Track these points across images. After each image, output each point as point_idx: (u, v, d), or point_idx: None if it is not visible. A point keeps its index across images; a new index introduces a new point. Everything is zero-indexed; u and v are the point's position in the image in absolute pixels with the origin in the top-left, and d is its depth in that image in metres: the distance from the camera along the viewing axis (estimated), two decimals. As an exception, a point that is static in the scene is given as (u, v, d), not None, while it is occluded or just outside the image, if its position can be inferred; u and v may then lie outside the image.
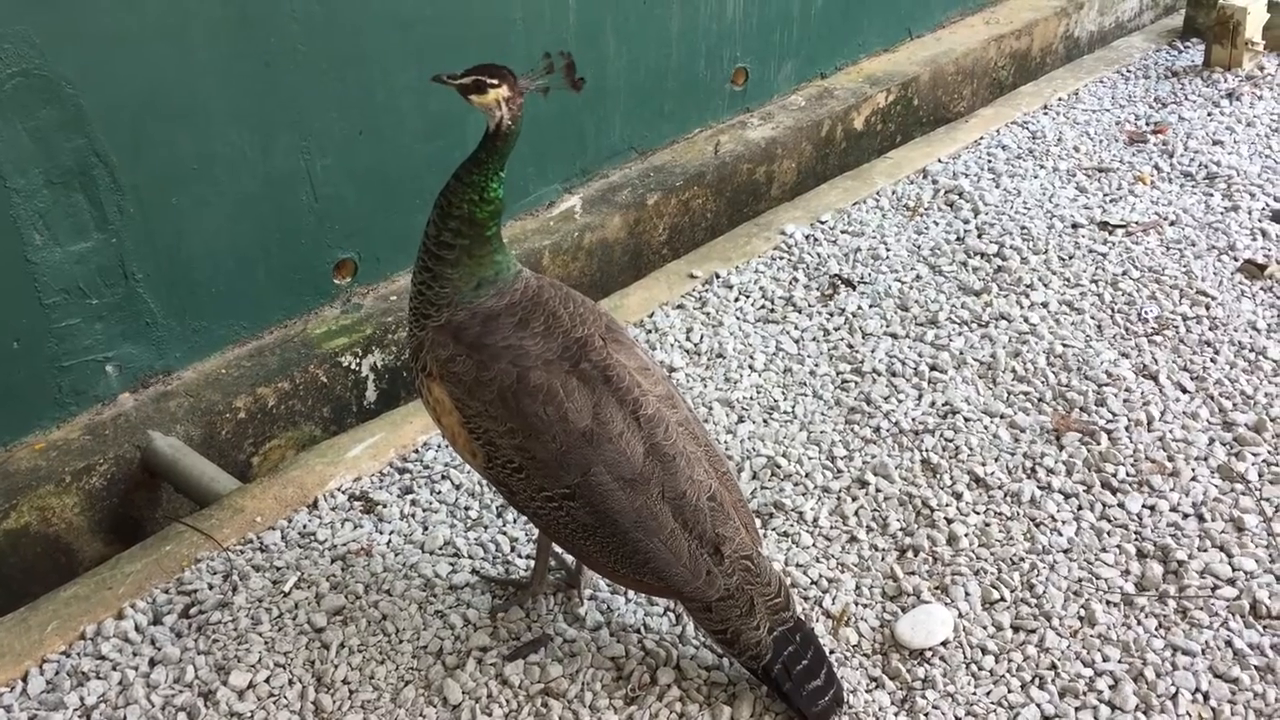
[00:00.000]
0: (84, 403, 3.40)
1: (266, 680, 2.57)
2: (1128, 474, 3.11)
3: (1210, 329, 3.68)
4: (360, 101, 3.73)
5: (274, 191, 3.62)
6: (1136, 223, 4.32)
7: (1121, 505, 3.01)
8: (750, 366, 3.62)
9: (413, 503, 3.10)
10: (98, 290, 3.30)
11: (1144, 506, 3.01)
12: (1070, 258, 4.11)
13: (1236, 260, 4.05)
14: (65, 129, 3.10)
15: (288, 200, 3.67)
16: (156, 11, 3.15)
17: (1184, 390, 3.41)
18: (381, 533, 3.00)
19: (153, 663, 2.63)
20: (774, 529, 2.97)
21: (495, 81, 2.27)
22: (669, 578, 2.34)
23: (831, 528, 2.98)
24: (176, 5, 3.18)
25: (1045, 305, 3.84)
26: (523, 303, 2.40)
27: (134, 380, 3.50)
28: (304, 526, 3.02)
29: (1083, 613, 2.71)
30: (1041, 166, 4.83)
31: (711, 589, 2.35)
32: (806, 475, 3.14)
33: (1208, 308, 3.78)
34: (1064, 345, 3.62)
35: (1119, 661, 2.59)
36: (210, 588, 2.83)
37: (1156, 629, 2.67)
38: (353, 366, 3.81)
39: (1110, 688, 2.53)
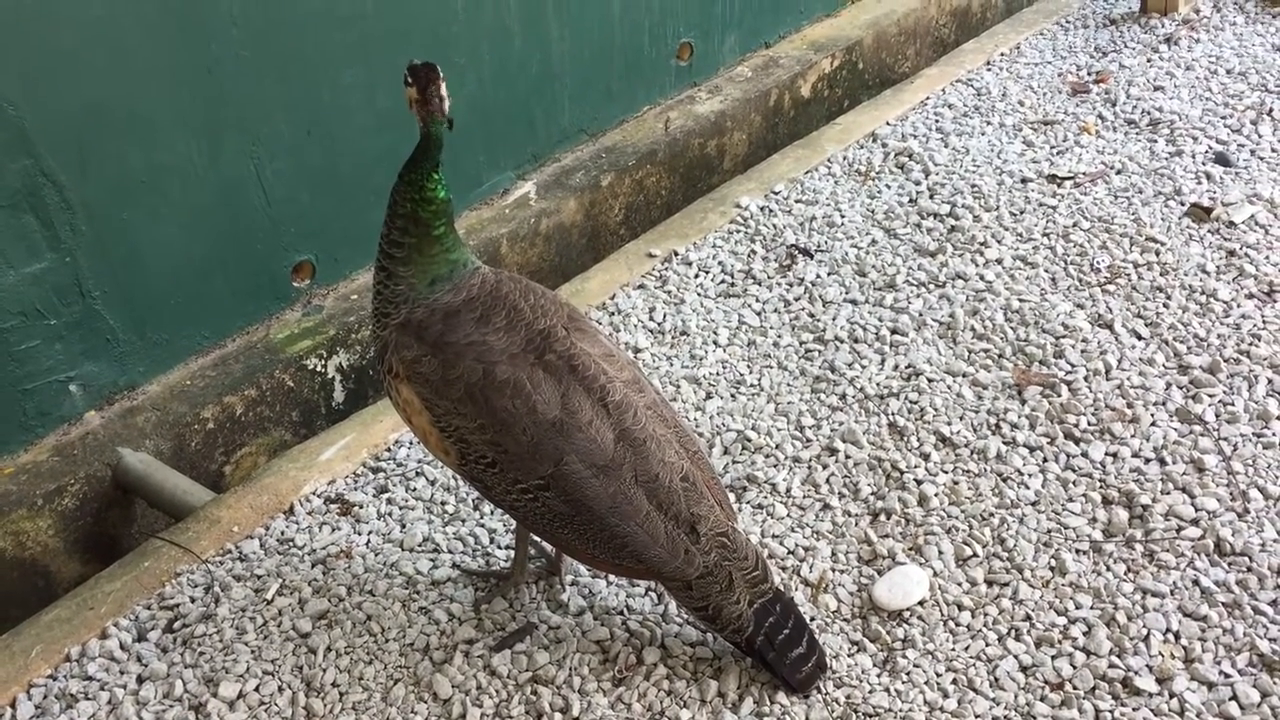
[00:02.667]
0: (50, 424, 3.38)
1: (256, 689, 2.58)
2: (1089, 423, 3.17)
3: (1161, 274, 3.75)
4: (306, 101, 3.71)
5: (226, 198, 3.60)
6: (1084, 173, 4.38)
7: (1085, 454, 3.08)
8: (714, 342, 3.65)
9: (389, 501, 3.11)
10: (55, 310, 3.28)
11: (1107, 454, 3.07)
12: (1021, 213, 4.16)
13: (1183, 205, 4.12)
14: (9, 150, 3.06)
15: (240, 206, 3.65)
16: (91, 24, 3.11)
17: (1139, 337, 3.48)
18: (360, 534, 3.01)
19: (140, 680, 2.64)
20: (748, 502, 3.01)
21: (408, 81, 2.27)
22: (648, 560, 2.37)
23: (804, 497, 3.02)
24: (111, 17, 3.14)
25: (1000, 262, 3.89)
26: (481, 298, 2.41)
27: (99, 398, 3.48)
28: (282, 533, 3.03)
29: (1053, 563, 2.77)
30: (988, 123, 4.88)
31: (690, 568, 2.39)
32: (777, 447, 3.19)
33: (1158, 254, 3.85)
34: (1020, 300, 3.68)
35: (1091, 608, 2.66)
36: (192, 601, 2.84)
37: (1125, 573, 2.74)
38: (318, 369, 3.80)
39: (1084, 634, 2.59)
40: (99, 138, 3.23)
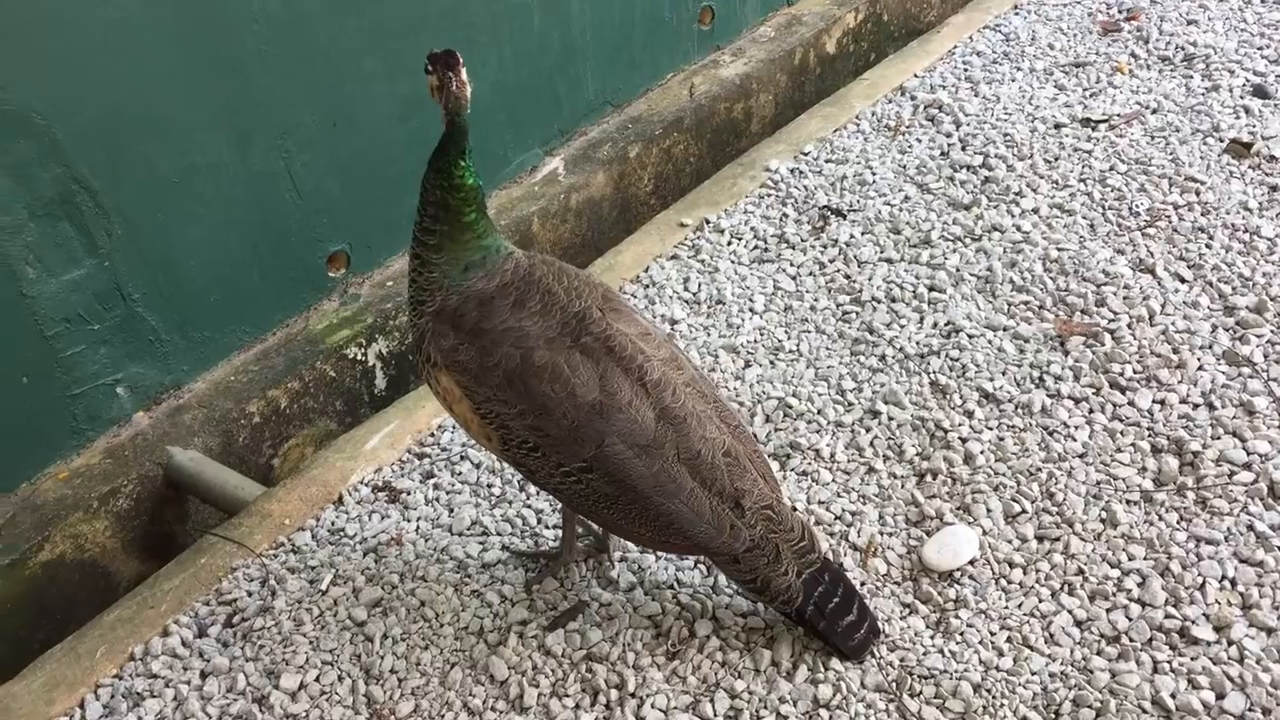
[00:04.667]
0: (100, 427, 3.43)
1: (316, 679, 2.62)
2: (1135, 371, 3.13)
3: (1202, 215, 3.68)
4: (331, 93, 3.71)
5: (257, 194, 3.62)
6: (1118, 115, 4.30)
7: (1132, 403, 3.04)
8: (751, 309, 3.64)
9: (436, 487, 3.14)
10: (97, 315, 3.32)
11: (1154, 402, 3.04)
12: (1056, 159, 4.10)
13: (1222, 141, 4.04)
14: (42, 160, 3.09)
15: (272, 201, 3.66)
16: (113, 29, 3.12)
17: (1182, 280, 3.43)
18: (409, 520, 3.04)
19: (204, 675, 2.69)
20: (792, 469, 3.01)
21: (429, 69, 2.26)
22: (694, 536, 2.38)
23: (849, 461, 3.01)
24: (132, 21, 3.15)
25: (1036, 211, 3.84)
26: (515, 283, 2.41)
27: (146, 399, 3.52)
28: (332, 524, 3.07)
29: (1104, 515, 2.75)
30: (1018, 69, 4.80)
31: (737, 542, 2.39)
32: (818, 412, 3.18)
33: (1198, 193, 3.78)
34: (1059, 249, 3.63)
35: (1144, 559, 2.64)
36: (249, 595, 2.88)
37: (1178, 522, 2.71)
38: (359, 357, 3.83)
39: (1138, 585, 2.58)
40: (129, 142, 3.26)
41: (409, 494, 3.13)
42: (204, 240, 3.52)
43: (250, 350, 3.75)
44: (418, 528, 3.02)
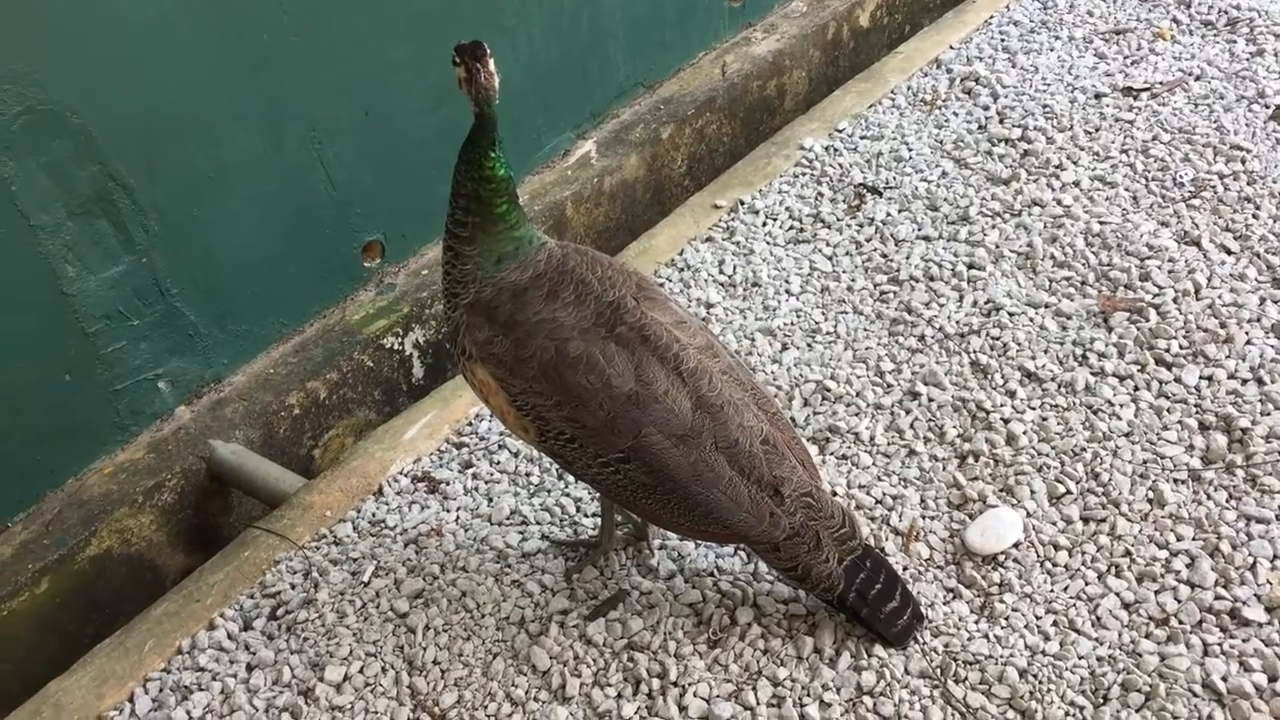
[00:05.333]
0: (143, 421, 3.47)
1: (360, 671, 2.64)
2: (1181, 347, 3.07)
3: (1249, 184, 3.60)
4: (361, 83, 3.71)
5: (291, 186, 3.63)
6: (1160, 83, 4.21)
7: (1178, 380, 2.98)
8: (787, 291, 3.60)
9: (474, 476, 3.15)
10: (137, 311, 3.34)
11: (1201, 378, 2.98)
12: (1097, 130, 4.02)
13: (1268, 108, 3.94)
14: (78, 159, 3.11)
15: (306, 193, 3.68)
16: (144, 27, 3.13)
17: (1228, 252, 3.35)
18: (449, 510, 3.05)
19: (250, 668, 2.71)
20: (832, 453, 2.98)
21: (456, 61, 2.22)
22: (733, 525, 2.37)
23: (889, 444, 2.98)
24: (162, 18, 3.16)
25: (1077, 184, 3.77)
26: (548, 273, 2.40)
27: (187, 393, 3.56)
28: (373, 515, 3.08)
29: (1151, 494, 2.70)
30: (1056, 37, 4.71)
31: (776, 530, 2.37)
32: (857, 394, 3.14)
33: (1244, 162, 3.69)
34: (1100, 223, 3.56)
35: (1193, 539, 2.59)
36: (293, 587, 2.91)
37: (1227, 501, 2.66)
38: (396, 347, 3.84)
39: (1187, 566, 2.53)
40: (163, 138, 3.27)
41: (448, 484, 3.14)
42: (240, 234, 3.54)
43: (288, 342, 3.77)
44: (457, 518, 3.03)
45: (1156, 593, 2.49)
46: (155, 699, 2.68)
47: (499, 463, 3.18)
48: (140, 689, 2.70)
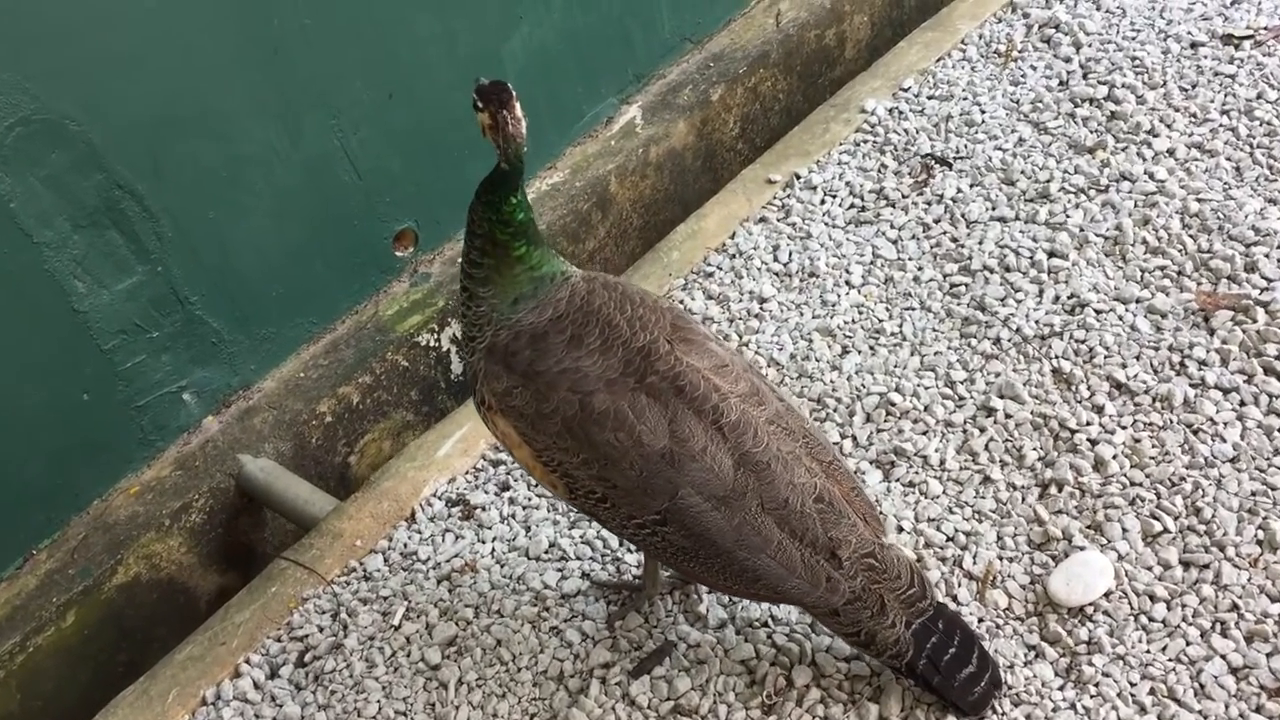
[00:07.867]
0: (169, 436, 3.31)
1: (390, 730, 2.48)
2: (1293, 352, 2.74)
3: (1370, 150, 3.21)
4: (383, 63, 3.44)
5: (313, 178, 3.40)
6: (1265, 28, 3.77)
7: (1290, 392, 2.66)
8: (847, 282, 3.31)
9: (511, 501, 2.94)
10: (155, 323, 3.17)
11: (1317, 390, 2.65)
12: (1194, 87, 3.62)
13: (1392, 56, 3.52)
14: (80, 168, 2.91)
15: (330, 184, 3.45)
16: (143, 23, 2.90)
17: (1348, 235, 2.99)
18: (484, 541, 2.85)
19: (276, 723, 2.56)
20: (897, 480, 2.72)
21: (478, 105, 1.98)
22: (785, 591, 2.14)
23: (960, 469, 2.71)
24: (162, 8, 2.92)
25: (1172, 153, 3.39)
26: (571, 314, 2.15)
27: (214, 402, 3.39)
28: (405, 545, 2.89)
29: (1261, 534, 2.40)
30: (1147, -26, 4.27)
31: (835, 595, 2.13)
32: (925, 409, 2.86)
33: (1365, 124, 3.29)
34: (1199, 201, 3.19)
35: (1311, 590, 2.30)
36: (320, 630, 2.74)
37: (1350, 541, 2.36)
38: (431, 344, 3.63)
39: (1304, 622, 2.25)
40: (170, 139, 3.05)
41: (483, 509, 2.93)
42: (260, 233, 3.33)
43: (319, 342, 3.57)
44: (493, 550, 2.83)
45: (1269, 655, 2.21)
46: (178, 759, 2.54)
47: (536, 486, 2.96)
48: (163, 746, 2.57)
